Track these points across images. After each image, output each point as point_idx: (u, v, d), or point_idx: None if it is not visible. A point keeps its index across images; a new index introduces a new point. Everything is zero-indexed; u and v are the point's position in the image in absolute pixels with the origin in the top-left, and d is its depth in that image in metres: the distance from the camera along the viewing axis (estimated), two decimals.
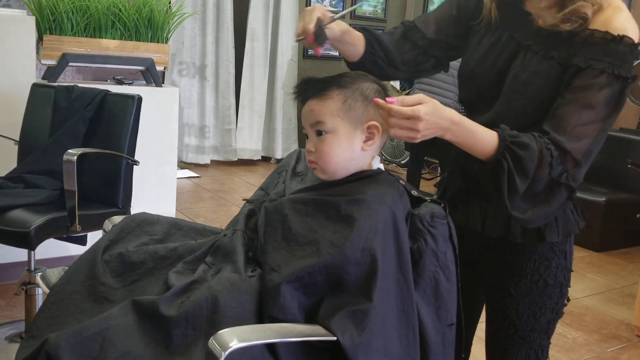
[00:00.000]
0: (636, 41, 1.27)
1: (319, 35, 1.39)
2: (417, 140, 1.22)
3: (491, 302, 1.53)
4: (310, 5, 6.48)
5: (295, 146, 6.51)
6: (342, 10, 1.42)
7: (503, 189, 1.23)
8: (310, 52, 6.57)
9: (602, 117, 1.27)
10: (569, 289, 1.49)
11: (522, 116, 1.35)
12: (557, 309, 1.47)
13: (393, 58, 1.54)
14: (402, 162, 6.60)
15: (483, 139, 1.25)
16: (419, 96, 1.22)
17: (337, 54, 6.76)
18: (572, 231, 1.42)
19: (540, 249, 1.42)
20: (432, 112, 1.19)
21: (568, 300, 1.50)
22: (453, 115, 1.23)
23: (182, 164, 5.84)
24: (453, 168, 1.55)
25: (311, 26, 1.38)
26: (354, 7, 1.39)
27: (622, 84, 1.26)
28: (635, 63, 1.31)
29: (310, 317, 1.17)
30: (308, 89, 1.34)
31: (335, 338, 1.10)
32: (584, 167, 1.28)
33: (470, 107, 1.48)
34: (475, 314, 1.64)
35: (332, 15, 1.42)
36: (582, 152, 1.26)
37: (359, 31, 1.52)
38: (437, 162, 5.17)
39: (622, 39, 1.26)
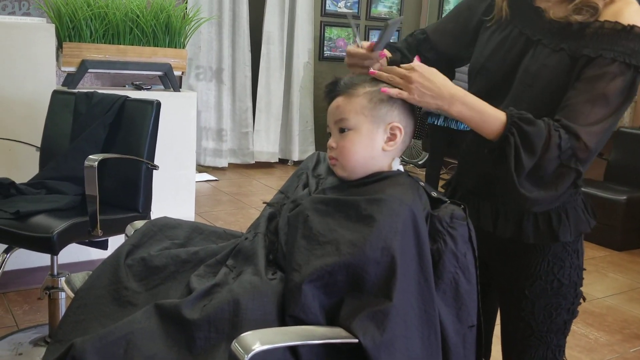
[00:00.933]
0: None
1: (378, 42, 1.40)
2: (415, 98, 1.28)
3: (505, 304, 1.53)
4: (325, 7, 6.49)
5: (312, 148, 6.52)
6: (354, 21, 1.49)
7: (510, 164, 1.24)
8: (327, 54, 6.59)
9: (615, 106, 1.27)
10: (582, 288, 1.49)
11: (532, 109, 1.34)
12: (573, 309, 1.47)
13: None
14: (420, 162, 6.59)
15: (490, 115, 1.28)
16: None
17: None
18: (584, 230, 1.43)
19: (553, 249, 1.42)
20: (429, 72, 1.28)
21: (584, 299, 1.50)
22: (456, 89, 1.27)
23: (200, 168, 5.87)
24: (463, 168, 1.56)
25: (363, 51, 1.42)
26: (386, 32, 1.42)
27: (633, 73, 1.27)
28: None
29: (331, 318, 1.18)
30: (337, 88, 1.37)
31: (357, 340, 1.11)
32: (592, 156, 1.28)
33: None
34: (492, 315, 1.64)
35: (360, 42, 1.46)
36: (595, 140, 1.26)
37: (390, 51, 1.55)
38: (456, 162, 5.15)
39: (632, 29, 1.27)
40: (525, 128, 1.24)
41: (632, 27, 1.27)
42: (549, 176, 1.26)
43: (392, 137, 1.34)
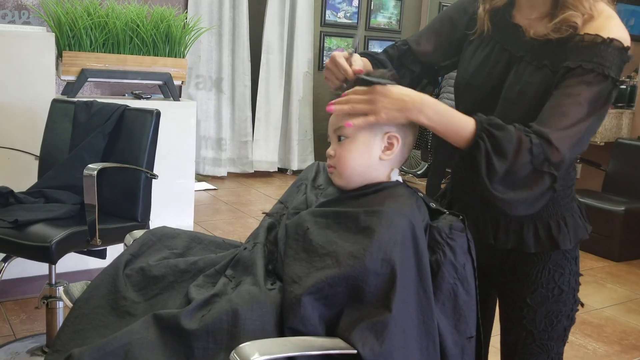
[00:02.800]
0: (625, 45, 1.28)
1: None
2: (383, 117, 1.26)
3: (506, 312, 1.53)
4: (324, 18, 6.52)
5: (311, 158, 6.53)
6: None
7: (481, 170, 1.23)
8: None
9: (587, 113, 1.26)
10: (580, 298, 1.50)
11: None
12: (572, 315, 1.48)
13: None
14: (419, 172, 6.59)
15: (459, 123, 1.26)
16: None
17: None
18: (583, 237, 1.44)
19: (553, 256, 1.43)
20: (394, 88, 1.25)
21: (582, 305, 1.51)
22: (422, 97, 1.25)
23: (199, 177, 5.87)
24: (457, 182, 1.55)
25: (354, 68, 1.37)
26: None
27: (610, 84, 1.27)
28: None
29: (330, 329, 1.18)
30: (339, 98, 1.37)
31: (355, 351, 1.11)
32: (567, 160, 1.26)
33: None
34: (489, 325, 1.65)
35: (351, 51, 1.44)
36: (567, 144, 1.24)
37: (363, 56, 1.50)
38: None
39: (611, 42, 1.27)
40: (495, 133, 1.23)
41: (612, 40, 1.27)
42: (522, 180, 1.24)
43: (389, 146, 1.34)
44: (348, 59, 1.37)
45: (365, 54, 1.53)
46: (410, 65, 1.59)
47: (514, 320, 1.50)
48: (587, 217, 1.46)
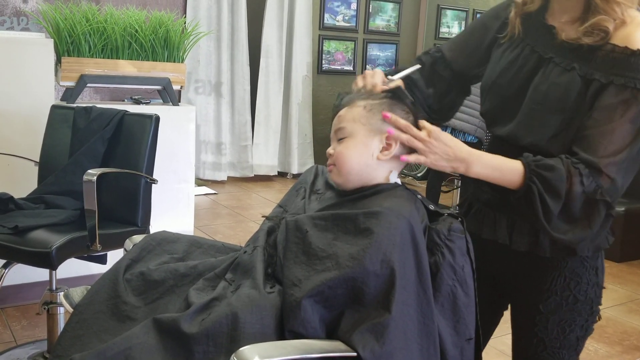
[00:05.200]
0: None
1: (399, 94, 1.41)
2: (428, 161, 1.29)
3: (518, 318, 1.52)
4: (323, 21, 6.53)
5: (311, 161, 6.53)
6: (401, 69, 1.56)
7: (539, 213, 1.26)
8: (325, 67, 6.62)
9: (633, 134, 1.26)
10: (600, 306, 1.47)
11: (543, 127, 1.35)
12: (587, 325, 1.46)
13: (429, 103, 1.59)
14: (419, 174, 6.59)
15: (508, 168, 1.29)
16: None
17: (350, 68, 6.79)
18: (602, 246, 1.41)
19: (570, 264, 1.41)
20: (445, 137, 1.29)
21: (599, 317, 1.48)
22: (470, 151, 1.29)
23: (199, 181, 5.87)
24: (477, 182, 1.55)
25: (382, 86, 1.41)
26: (412, 69, 1.46)
27: None
28: None
29: (331, 330, 1.18)
30: (341, 103, 1.40)
31: (356, 353, 1.11)
32: (619, 183, 1.27)
33: (492, 119, 1.49)
34: (492, 328, 1.64)
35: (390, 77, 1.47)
36: (616, 169, 1.26)
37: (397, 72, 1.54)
38: (457, 175, 5.13)
39: None
40: (545, 175, 1.25)
41: None
42: (578, 212, 1.27)
43: (387, 146, 1.35)
44: (384, 81, 1.43)
45: (398, 71, 1.54)
46: (442, 72, 1.60)
47: (525, 326, 1.48)
48: (610, 228, 1.42)
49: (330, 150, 1.39)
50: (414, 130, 1.30)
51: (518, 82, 1.42)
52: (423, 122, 1.32)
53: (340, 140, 1.37)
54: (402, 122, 1.31)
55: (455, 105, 1.66)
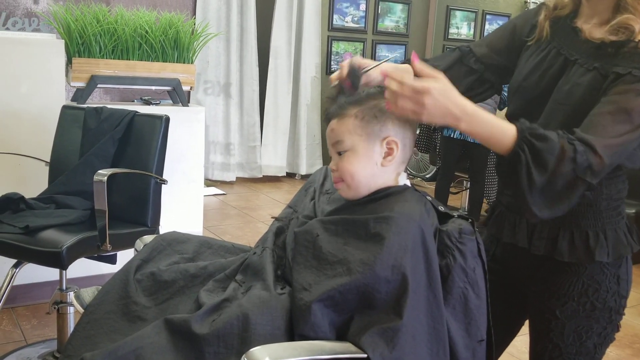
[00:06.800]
0: None
1: (354, 81, 1.38)
2: (423, 119, 1.22)
3: (535, 322, 1.50)
4: (332, 22, 6.53)
5: (319, 162, 6.53)
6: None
7: (521, 182, 1.21)
8: (334, 68, 6.61)
9: (637, 123, 1.24)
10: (621, 316, 1.44)
11: (565, 127, 1.33)
12: (605, 334, 1.43)
13: None
14: (428, 176, 6.58)
15: (500, 130, 1.23)
16: (435, 71, 1.22)
17: None
18: (624, 253, 1.39)
19: (589, 270, 1.39)
20: (443, 92, 1.20)
21: (618, 328, 1.45)
22: (467, 104, 1.22)
23: (208, 182, 5.88)
24: (500, 185, 1.54)
25: (344, 72, 1.37)
26: (384, 60, 1.42)
27: None
28: None
29: (341, 335, 1.18)
30: (330, 110, 1.37)
31: (365, 355, 1.11)
32: (606, 169, 1.25)
33: (517, 120, 1.48)
34: (512, 332, 1.62)
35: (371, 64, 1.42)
36: (611, 153, 1.22)
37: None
38: (467, 176, 5.12)
39: None
40: (536, 144, 1.20)
41: None
42: (559, 189, 1.22)
43: (389, 151, 1.33)
44: (358, 68, 1.37)
45: (423, 61, 1.49)
46: (472, 64, 1.56)
47: (541, 331, 1.47)
48: (637, 236, 1.40)
49: (333, 166, 1.36)
50: (409, 84, 1.20)
51: (543, 84, 1.40)
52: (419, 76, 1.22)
53: (340, 154, 1.34)
54: (400, 81, 1.22)
55: (474, 98, 1.58)
